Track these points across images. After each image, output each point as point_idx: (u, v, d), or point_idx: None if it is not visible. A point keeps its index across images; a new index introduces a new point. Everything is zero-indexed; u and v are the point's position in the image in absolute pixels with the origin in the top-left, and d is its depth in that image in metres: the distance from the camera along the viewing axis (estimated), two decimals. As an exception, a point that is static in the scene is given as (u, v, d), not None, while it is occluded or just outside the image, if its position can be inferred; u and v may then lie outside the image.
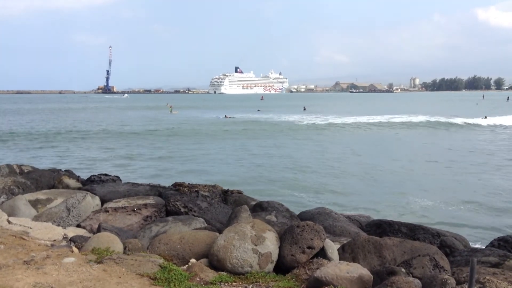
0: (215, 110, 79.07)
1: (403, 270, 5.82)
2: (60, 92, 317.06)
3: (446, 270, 6.24)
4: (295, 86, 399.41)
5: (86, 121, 53.91)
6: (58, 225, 7.87)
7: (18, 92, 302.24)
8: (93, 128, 42.53)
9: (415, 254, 6.44)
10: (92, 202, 9.19)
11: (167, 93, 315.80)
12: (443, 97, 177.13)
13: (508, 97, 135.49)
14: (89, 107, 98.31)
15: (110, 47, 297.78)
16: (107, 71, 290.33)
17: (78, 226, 8.40)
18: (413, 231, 8.77)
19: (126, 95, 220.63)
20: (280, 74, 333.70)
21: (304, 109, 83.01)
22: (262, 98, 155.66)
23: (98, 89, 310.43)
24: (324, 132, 40.83)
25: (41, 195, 9.53)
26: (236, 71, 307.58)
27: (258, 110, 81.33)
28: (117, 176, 13.34)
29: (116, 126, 44.77)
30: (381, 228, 9.23)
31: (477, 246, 9.70)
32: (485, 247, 8.54)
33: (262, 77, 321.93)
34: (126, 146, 30.09)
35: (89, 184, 12.00)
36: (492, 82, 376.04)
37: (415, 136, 37.24)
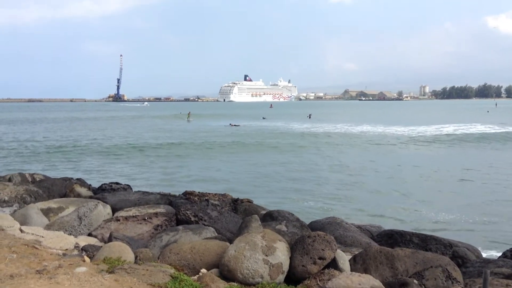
0: (225, 119, 79.00)
1: (415, 281, 5.77)
2: (71, 100, 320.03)
3: (459, 282, 6.18)
4: (304, 94, 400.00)
5: (104, 130, 53.04)
6: (70, 234, 7.91)
7: (30, 101, 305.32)
8: (111, 139, 41.98)
9: (427, 265, 6.39)
10: (103, 211, 9.23)
11: (177, 101, 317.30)
12: (456, 105, 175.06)
13: None
14: (108, 116, 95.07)
15: (121, 55, 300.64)
16: (118, 80, 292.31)
17: (90, 235, 8.43)
18: (425, 242, 8.69)
19: (146, 103, 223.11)
20: (289, 82, 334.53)
21: (309, 117, 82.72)
22: (271, 106, 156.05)
23: (109, 97, 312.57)
24: (331, 140, 40.62)
25: (53, 203, 9.60)
26: (245, 79, 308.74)
27: (263, 118, 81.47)
28: (128, 185, 13.43)
29: (134, 137, 43.76)
30: (392, 238, 9.16)
31: (490, 257, 9.60)
32: (498, 258, 8.46)
33: (271, 85, 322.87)
34: (139, 156, 30.01)
35: (100, 192, 12.08)
36: (503, 90, 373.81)
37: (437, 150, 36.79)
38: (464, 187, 19.56)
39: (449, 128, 53.30)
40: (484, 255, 9.45)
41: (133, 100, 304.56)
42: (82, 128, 57.59)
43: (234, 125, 59.45)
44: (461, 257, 8.20)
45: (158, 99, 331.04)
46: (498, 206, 15.88)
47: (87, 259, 6.15)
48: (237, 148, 34.59)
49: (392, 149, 33.96)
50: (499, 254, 9.21)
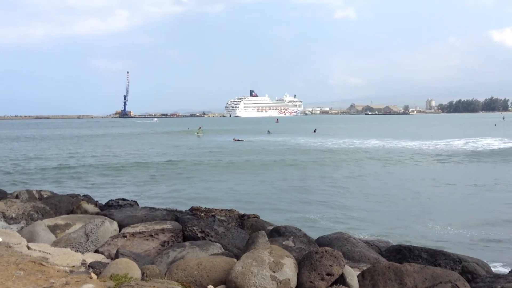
0: (232, 134, 79.01)
1: (424, 297, 5.70)
2: (78, 117, 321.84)
3: (469, 298, 6.10)
4: (310, 109, 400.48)
5: (113, 148, 52.12)
6: (77, 251, 7.90)
7: (37, 118, 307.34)
8: (120, 157, 41.26)
9: (436, 281, 6.31)
10: (110, 227, 9.23)
11: (184, 117, 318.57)
12: (463, 119, 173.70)
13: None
14: (118, 133, 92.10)
15: (127, 72, 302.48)
16: (125, 96, 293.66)
17: (96, 251, 8.42)
18: (433, 257, 8.60)
19: (155, 119, 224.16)
20: (294, 97, 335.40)
21: (315, 132, 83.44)
22: (277, 121, 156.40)
23: (116, 113, 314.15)
24: (337, 155, 40.45)
25: (60, 220, 9.61)
26: (251, 95, 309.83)
27: (268, 132, 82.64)
28: (134, 201, 13.44)
29: (143, 154, 43.22)
30: (401, 253, 9.08)
31: (500, 272, 9.47)
32: (508, 273, 8.35)
33: (277, 100, 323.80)
34: (145, 173, 29.92)
35: (107, 209, 12.08)
36: (509, 103, 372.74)
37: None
38: (474, 201, 19.41)
39: (459, 142, 52.69)
40: (494, 270, 9.33)
41: (140, 116, 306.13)
42: (90, 145, 57.62)
43: (238, 140, 59.81)
44: (470, 272, 8.10)
45: (164, 115, 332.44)
46: (509, 221, 15.72)
47: (94, 276, 6.13)
48: (244, 164, 34.56)
49: (402, 163, 33.74)
50: (509, 269, 9.10)
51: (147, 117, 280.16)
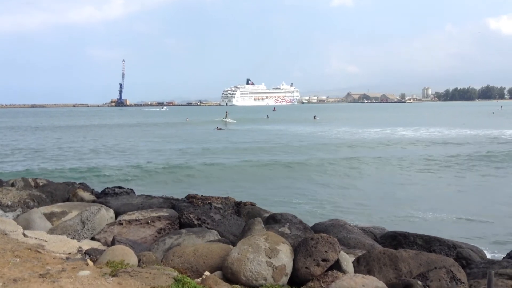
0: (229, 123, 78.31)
1: (419, 283, 5.75)
2: (74, 106, 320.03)
3: (463, 283, 6.15)
4: (307, 97, 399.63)
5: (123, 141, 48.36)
6: (73, 238, 7.92)
7: (33, 106, 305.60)
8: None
9: (431, 267, 6.36)
10: (106, 215, 9.25)
11: (180, 105, 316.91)
12: (461, 107, 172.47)
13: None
14: (132, 123, 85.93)
15: (123, 61, 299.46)
16: (120, 85, 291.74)
17: (93, 239, 8.45)
18: (428, 243, 8.65)
19: (165, 107, 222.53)
20: (291, 85, 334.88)
21: (315, 118, 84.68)
22: (274, 110, 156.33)
23: (112, 102, 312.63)
24: (334, 144, 40.42)
25: (56, 208, 9.62)
26: (247, 83, 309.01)
27: (267, 117, 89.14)
28: (130, 189, 13.44)
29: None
30: (396, 240, 9.13)
31: (494, 257, 9.55)
32: (502, 259, 8.42)
33: (274, 88, 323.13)
34: (143, 162, 29.64)
35: (103, 197, 12.10)
36: (505, 91, 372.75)
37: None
38: (470, 189, 19.49)
39: (470, 133, 49.86)
40: (488, 256, 9.41)
41: (136, 105, 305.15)
42: (94, 135, 56.06)
43: (220, 129, 60.29)
44: (465, 258, 8.17)
45: (160, 104, 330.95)
46: (503, 207, 15.82)
47: (90, 262, 6.15)
48: (241, 151, 34.48)
49: (399, 152, 33.61)
50: (504, 255, 9.17)
51: (157, 105, 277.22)
